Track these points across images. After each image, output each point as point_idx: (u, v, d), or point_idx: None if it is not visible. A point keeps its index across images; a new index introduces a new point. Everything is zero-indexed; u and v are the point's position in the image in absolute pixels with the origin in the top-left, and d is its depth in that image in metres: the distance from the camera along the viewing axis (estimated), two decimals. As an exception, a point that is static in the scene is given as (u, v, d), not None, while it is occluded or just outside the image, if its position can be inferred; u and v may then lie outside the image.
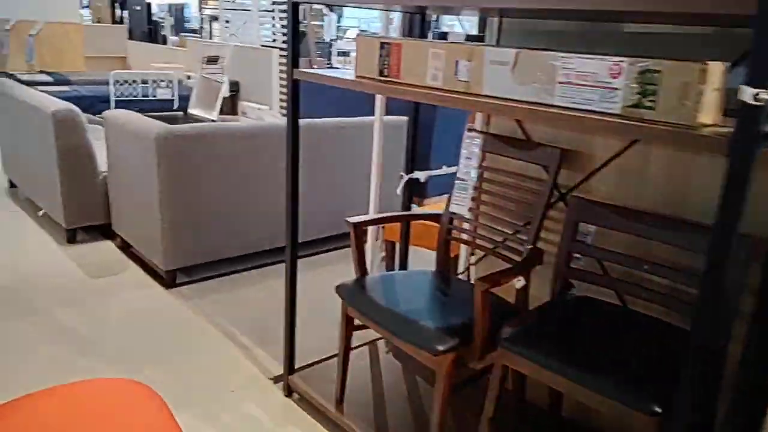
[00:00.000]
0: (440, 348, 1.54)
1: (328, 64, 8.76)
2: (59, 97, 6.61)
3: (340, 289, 1.86)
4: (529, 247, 1.76)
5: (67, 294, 2.86)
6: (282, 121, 3.78)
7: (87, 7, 13.08)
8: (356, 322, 1.90)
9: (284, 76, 7.94)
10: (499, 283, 1.54)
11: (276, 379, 2.28)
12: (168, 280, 3.01)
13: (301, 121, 3.30)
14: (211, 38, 12.37)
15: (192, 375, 2.28)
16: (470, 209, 1.96)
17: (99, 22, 12.92)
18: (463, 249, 2.30)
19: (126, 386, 1.29)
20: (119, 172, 3.22)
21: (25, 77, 6.74)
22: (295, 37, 1.82)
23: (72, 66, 8.48)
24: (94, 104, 6.58)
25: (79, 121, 3.29)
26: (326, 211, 3.54)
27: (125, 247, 3.43)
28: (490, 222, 2.00)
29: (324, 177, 3.46)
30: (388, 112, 3.98)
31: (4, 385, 2.15)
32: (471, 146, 1.96)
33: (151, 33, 11.77)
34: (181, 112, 7.55)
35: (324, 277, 3.24)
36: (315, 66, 8.16)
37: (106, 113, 3.24)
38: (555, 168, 1.78)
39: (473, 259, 2.28)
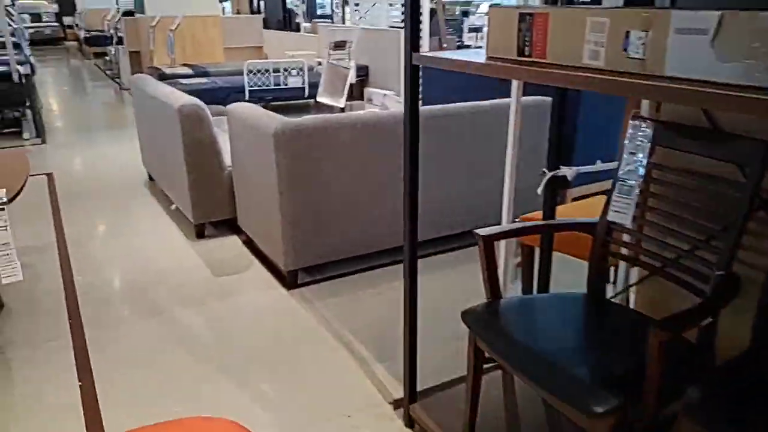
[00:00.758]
0: (598, 410, 1.18)
1: (459, 41, 8.35)
2: (197, 90, 6.87)
3: (467, 317, 1.55)
4: (721, 273, 1.33)
5: (191, 293, 2.82)
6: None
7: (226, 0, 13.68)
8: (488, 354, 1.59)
9: (413, 57, 7.67)
10: (684, 329, 1.15)
11: (395, 404, 2.03)
12: (289, 280, 2.88)
13: (424, 108, 3.01)
14: (343, 23, 12.43)
15: (307, 391, 2.10)
16: (634, 217, 1.56)
17: (238, 13, 13.47)
18: (622, 264, 1.89)
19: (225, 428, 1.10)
20: (242, 168, 3.14)
21: (168, 70, 7.08)
22: (414, 16, 1.52)
23: (211, 58, 8.84)
24: (230, 95, 6.75)
25: (205, 116, 3.25)
26: (454, 207, 3.23)
27: (250, 243, 3.36)
28: (659, 234, 1.59)
29: (451, 169, 3.14)
30: (525, 91, 3.59)
31: (123, 398, 2.11)
32: (637, 138, 1.55)
33: (285, 21, 12.04)
34: (312, 100, 7.57)
35: (449, 282, 2.95)
36: (445, 45, 7.80)
37: (229, 107, 3.16)
38: (758, 167, 1.33)
39: (633, 276, 1.86)
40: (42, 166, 5.04)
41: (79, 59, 14.23)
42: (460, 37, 8.72)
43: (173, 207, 3.89)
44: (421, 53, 1.55)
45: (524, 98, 3.26)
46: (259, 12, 12.58)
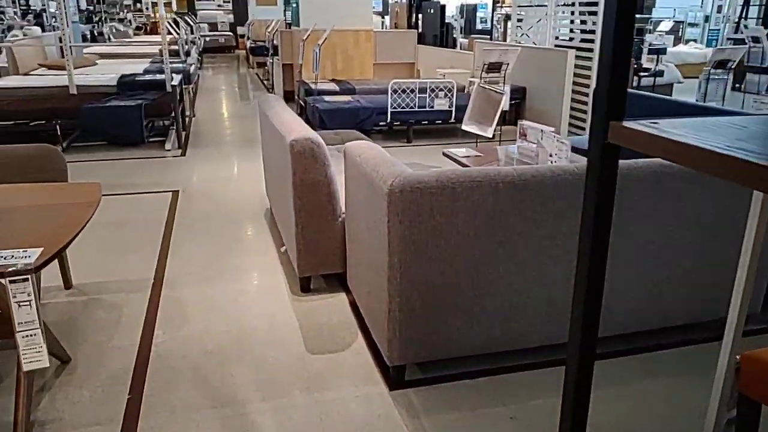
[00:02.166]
0: None
1: (636, 65, 7.25)
2: (338, 109, 6.48)
3: None
4: None
5: (274, 377, 2.28)
6: (574, 161, 2.72)
7: (386, 13, 13.48)
8: None
9: (579, 80, 6.73)
10: None
11: None
12: (394, 377, 2.23)
13: (622, 163, 2.21)
14: (505, 39, 11.65)
15: None
16: None
17: (396, 27, 13.21)
18: None
19: None
20: (354, 220, 2.56)
21: (314, 86, 6.80)
22: (621, 55, 0.80)
23: (361, 73, 8.53)
24: (372, 116, 6.31)
25: (319, 154, 2.71)
26: (651, 296, 2.38)
27: (357, 307, 2.78)
28: None
29: (648, 244, 2.31)
30: None
31: None
32: None
33: (442, 36, 11.51)
34: (459, 124, 6.91)
35: (635, 405, 2.12)
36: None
37: (347, 145, 2.60)
38: None
39: None
40: (173, 180, 4.89)
41: (246, 68, 14.85)
42: (638, 58, 7.59)
43: (283, 249, 3.43)
44: (627, 124, 0.81)
45: None
46: (416, 27, 12.19)
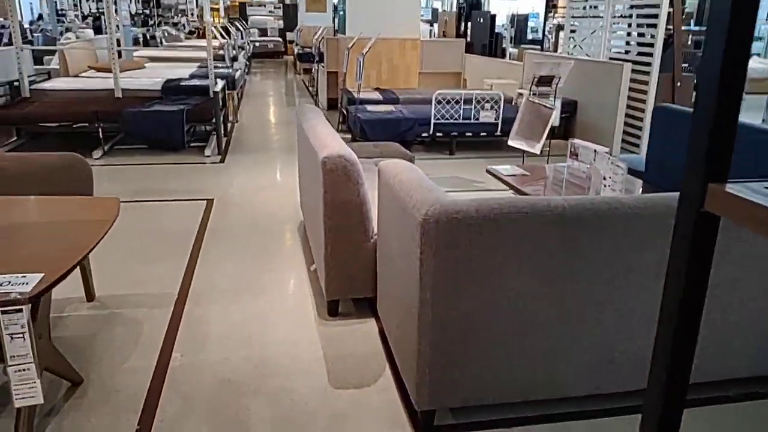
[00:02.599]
0: None
1: (694, 80, 6.84)
2: (380, 119, 6.31)
3: None
4: None
5: (292, 415, 2.11)
6: (630, 184, 2.47)
7: (434, 22, 13.31)
8: None
9: (635, 95, 6.38)
10: None
11: None
12: (423, 422, 2.03)
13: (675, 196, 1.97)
14: (556, 50, 11.31)
15: None
16: None
17: (444, 35, 13.01)
18: None
19: None
20: (386, 243, 2.37)
21: (357, 95, 6.67)
22: (730, 97, 0.59)
23: (406, 82, 8.36)
24: (414, 127, 6.13)
25: (353, 172, 2.54)
26: (727, 344, 2.13)
27: (386, 338, 2.59)
28: None
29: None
30: None
31: None
32: None
33: (492, 46, 11.25)
34: (505, 138, 6.66)
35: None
36: (679, 85, 6.40)
37: (381, 164, 2.42)
38: None
39: None
40: (209, 187, 4.81)
41: (293, 74, 14.90)
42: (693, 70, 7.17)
43: (312, 268, 3.27)
44: (732, 189, 0.61)
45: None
46: (465, 35, 11.97)
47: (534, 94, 4.80)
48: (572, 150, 3.63)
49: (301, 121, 3.43)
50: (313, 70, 11.45)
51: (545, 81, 4.58)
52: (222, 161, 5.76)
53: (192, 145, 6.25)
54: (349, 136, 6.95)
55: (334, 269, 2.67)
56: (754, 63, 13.44)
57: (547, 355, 2.00)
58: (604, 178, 3.05)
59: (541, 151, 4.71)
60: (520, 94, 7.72)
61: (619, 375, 2.09)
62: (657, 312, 2.02)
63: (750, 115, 9.81)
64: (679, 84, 6.32)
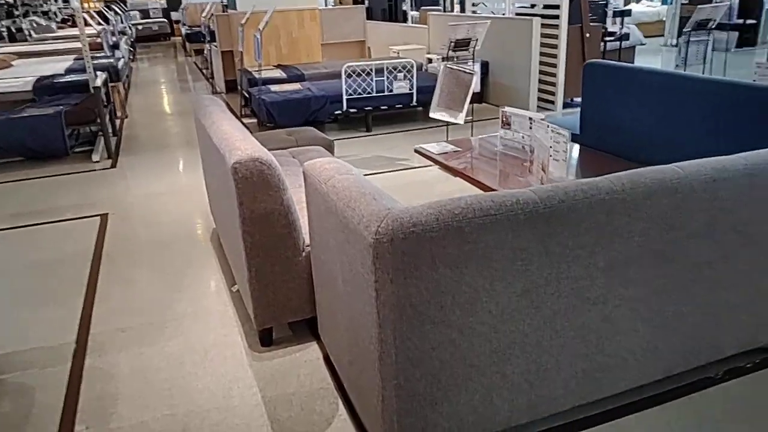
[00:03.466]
0: None
1: (604, 28, 6.79)
2: (287, 100, 5.79)
3: None
4: None
5: (235, 486, 1.72)
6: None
7: (329, -11, 12.71)
8: None
9: (547, 51, 6.20)
10: None
11: None
12: (394, 474, 1.70)
13: (659, 169, 1.71)
14: (453, 10, 11.06)
15: None
16: None
17: (341, 3, 12.46)
18: None
19: None
20: (322, 259, 1.99)
21: (258, 74, 6.12)
22: None
23: (309, 56, 7.84)
24: (326, 105, 5.68)
25: (272, 177, 2.12)
26: (717, 325, 1.90)
27: (333, 364, 2.22)
28: None
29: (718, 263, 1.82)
30: None
31: None
32: None
33: (391, 10, 10.86)
34: (421, 108, 6.36)
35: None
36: (588, 35, 6.29)
37: (306, 165, 2.01)
38: None
39: None
40: (102, 199, 4.19)
41: (183, 56, 13.90)
42: (603, 21, 7.13)
43: (235, 288, 2.83)
44: None
45: (815, 151, 1.88)
46: (363, 2, 11.48)
47: (450, 60, 4.48)
48: (504, 119, 3.35)
49: (200, 116, 2.93)
50: (205, 51, 10.63)
51: (462, 44, 4.27)
52: (113, 166, 5.09)
53: (76, 150, 5.52)
54: (254, 120, 6.42)
55: (261, 293, 2.26)
56: (644, 8, 13.82)
57: (530, 376, 1.71)
58: (550, 148, 2.79)
59: (463, 122, 4.42)
60: (430, 60, 7.42)
61: (608, 379, 1.84)
62: (646, 302, 1.79)
63: (648, 58, 10.04)
64: (588, 35, 6.22)
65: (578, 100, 6.66)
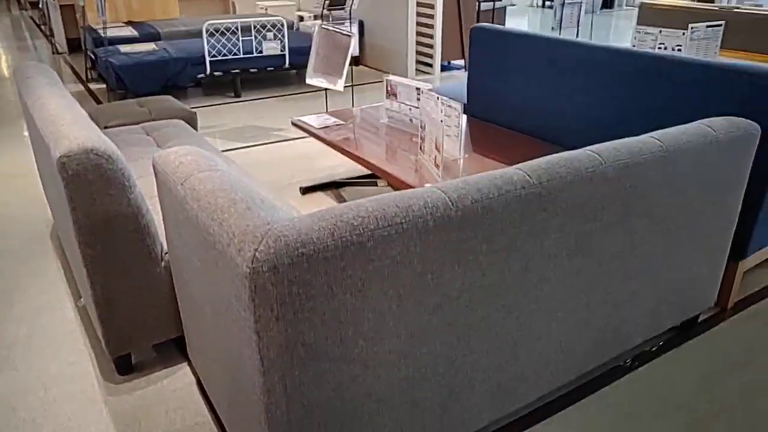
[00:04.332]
0: None
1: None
2: (141, 63, 5.03)
3: None
4: None
5: None
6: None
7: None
8: None
9: (423, 11, 5.95)
10: None
11: None
12: None
13: (578, 153, 1.51)
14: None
15: None
16: None
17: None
18: None
19: None
20: (184, 272, 1.61)
21: (104, 33, 5.33)
22: None
23: (165, 12, 7.03)
24: (186, 68, 5.08)
25: (115, 173, 1.68)
26: (625, 316, 1.76)
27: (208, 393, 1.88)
28: None
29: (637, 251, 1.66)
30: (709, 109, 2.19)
31: None
32: None
33: (256, -38, 10.06)
34: (294, 71, 5.92)
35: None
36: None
37: (156, 157, 1.60)
38: None
39: None
40: None
41: (18, 9, 12.17)
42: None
43: (81, 303, 2.36)
44: None
45: (718, 120, 1.78)
46: (223, -49, 10.53)
47: (325, 19, 4.10)
48: (390, 89, 3.07)
49: (22, 92, 2.36)
50: (41, 4, 9.30)
51: (337, 3, 3.90)
52: (-77, 145, 4.21)
53: None
54: (103, 86, 5.65)
55: (112, 315, 1.84)
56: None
57: (443, 399, 1.48)
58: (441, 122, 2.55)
59: (343, 90, 4.09)
60: (302, 18, 6.93)
61: (523, 388, 1.67)
62: (561, 301, 1.62)
63: (518, 20, 10.18)
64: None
65: (456, 62, 6.54)
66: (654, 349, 2.06)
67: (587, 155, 1.54)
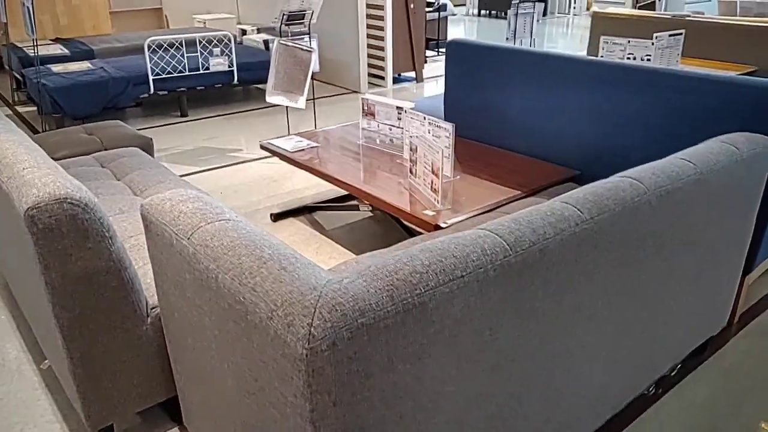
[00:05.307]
0: None
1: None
2: (79, 84, 4.65)
3: None
4: None
5: None
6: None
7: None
8: None
9: (373, 23, 5.81)
10: None
11: None
12: None
13: (617, 184, 1.39)
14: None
15: None
16: None
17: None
18: None
19: None
20: (189, 339, 1.39)
21: (32, 52, 4.91)
22: None
23: (96, 28, 6.60)
24: (128, 88, 4.73)
25: (93, 223, 1.44)
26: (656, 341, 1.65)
27: (213, 464, 1.65)
28: None
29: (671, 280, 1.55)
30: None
31: None
32: None
33: (188, -27, 9.67)
34: (243, 87, 5.66)
35: None
36: (412, 6, 6.04)
37: (143, 204, 1.38)
38: None
39: None
40: None
41: None
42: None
43: (45, 365, 2.06)
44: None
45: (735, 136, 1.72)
46: (151, -38, 10.08)
47: (284, 35, 3.90)
48: (366, 108, 2.91)
49: (-41, 127, 2.05)
50: (-48, 20, 8.56)
51: (296, 18, 3.71)
52: None
53: None
54: (33, 109, 5.21)
55: (93, 384, 1.59)
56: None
57: (497, 462, 1.33)
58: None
59: (304, 108, 3.89)
60: (244, 31, 6.67)
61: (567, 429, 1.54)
62: (603, 340, 1.50)
63: (457, 30, 10.24)
64: (412, 6, 5.97)
65: (407, 75, 6.44)
66: (674, 374, 1.98)
67: (630, 183, 1.43)
